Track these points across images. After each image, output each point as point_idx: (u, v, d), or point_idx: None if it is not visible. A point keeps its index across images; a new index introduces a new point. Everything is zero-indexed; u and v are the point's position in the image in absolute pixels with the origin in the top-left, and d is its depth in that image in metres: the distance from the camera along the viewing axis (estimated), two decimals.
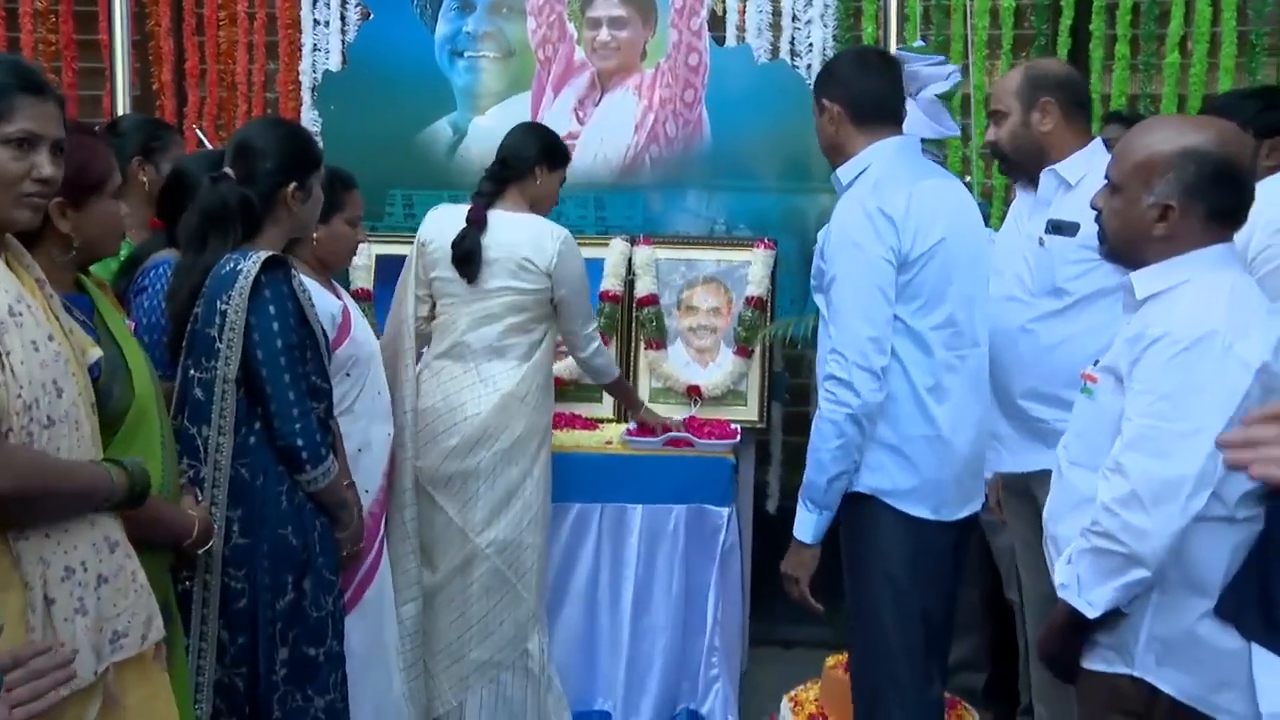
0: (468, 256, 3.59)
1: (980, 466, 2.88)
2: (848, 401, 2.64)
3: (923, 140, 3.39)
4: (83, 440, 1.93)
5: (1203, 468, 2.03)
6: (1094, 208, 2.32)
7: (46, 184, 1.96)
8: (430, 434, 3.57)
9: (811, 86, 2.73)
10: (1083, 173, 2.94)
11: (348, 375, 3.22)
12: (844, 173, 2.81)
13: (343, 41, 4.96)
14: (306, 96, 4.98)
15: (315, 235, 3.14)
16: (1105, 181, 2.30)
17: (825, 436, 2.68)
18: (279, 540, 2.65)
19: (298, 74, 4.99)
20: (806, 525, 2.75)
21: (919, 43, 3.66)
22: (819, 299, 2.81)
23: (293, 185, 2.76)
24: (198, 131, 4.15)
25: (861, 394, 2.63)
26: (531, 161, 3.65)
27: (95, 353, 2.08)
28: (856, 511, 2.75)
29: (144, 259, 2.95)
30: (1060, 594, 2.19)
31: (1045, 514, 2.36)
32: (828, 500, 2.71)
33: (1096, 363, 2.26)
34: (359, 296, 4.36)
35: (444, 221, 3.69)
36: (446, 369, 3.62)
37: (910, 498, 2.71)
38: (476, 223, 3.60)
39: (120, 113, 4.17)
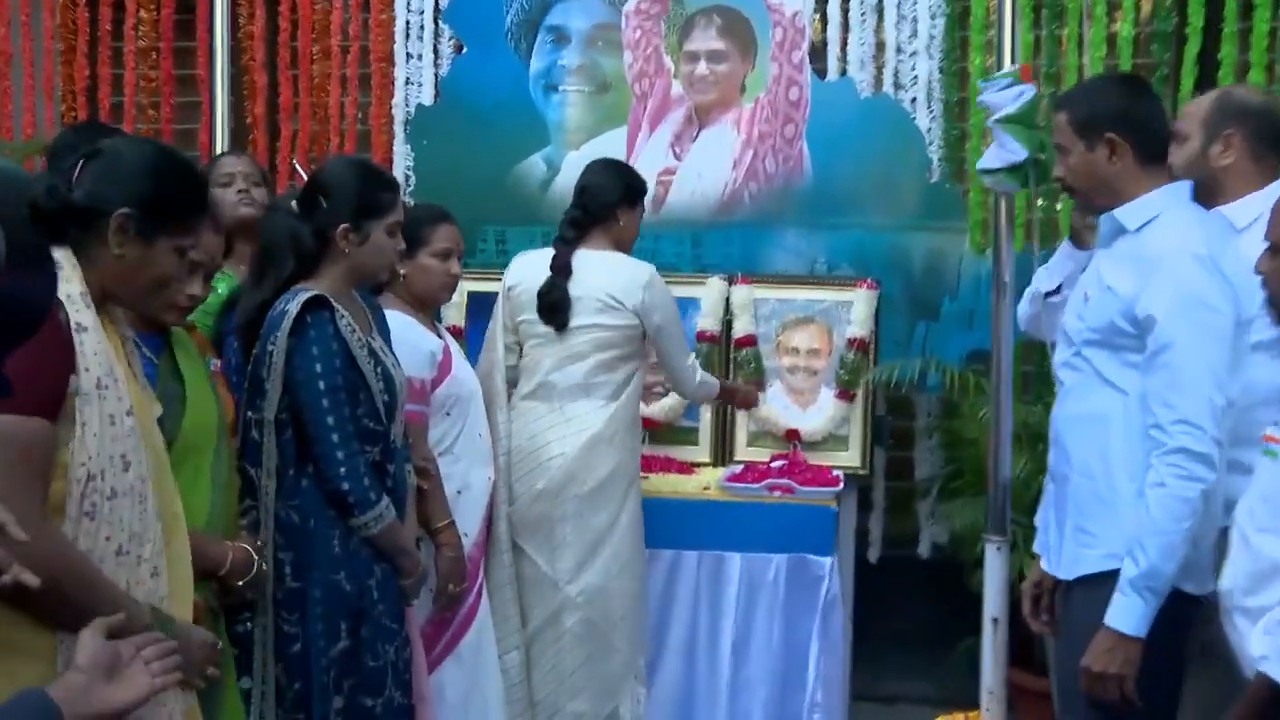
0: (554, 306, 3.66)
1: None
2: (1203, 477, 2.45)
3: (995, 170, 3.49)
4: (145, 515, 1.96)
5: None
6: (1258, 272, 2.29)
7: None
8: (518, 477, 3.65)
9: (1070, 116, 2.66)
10: (1254, 216, 2.74)
11: (448, 415, 3.33)
12: (1128, 217, 2.63)
13: (435, 75, 5.08)
14: (399, 131, 5.10)
15: (404, 271, 3.23)
16: (1265, 244, 2.26)
17: (1178, 516, 2.46)
18: (331, 585, 2.67)
19: (390, 108, 5.12)
20: (1135, 616, 2.48)
21: (1008, 68, 3.66)
22: (1093, 352, 2.64)
23: (344, 226, 2.77)
24: (296, 166, 4.34)
25: (1216, 469, 2.47)
26: (613, 205, 3.72)
27: (155, 410, 2.11)
28: (1109, 586, 2.55)
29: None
30: (1259, 666, 2.10)
31: (1227, 584, 2.27)
32: (1167, 588, 2.49)
33: (1277, 423, 2.21)
34: (451, 334, 4.50)
35: (530, 266, 3.78)
36: (533, 409, 3.69)
37: (1182, 572, 2.53)
38: (561, 271, 3.66)
39: (218, 145, 4.32)
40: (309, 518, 2.68)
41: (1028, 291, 3.29)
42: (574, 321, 3.66)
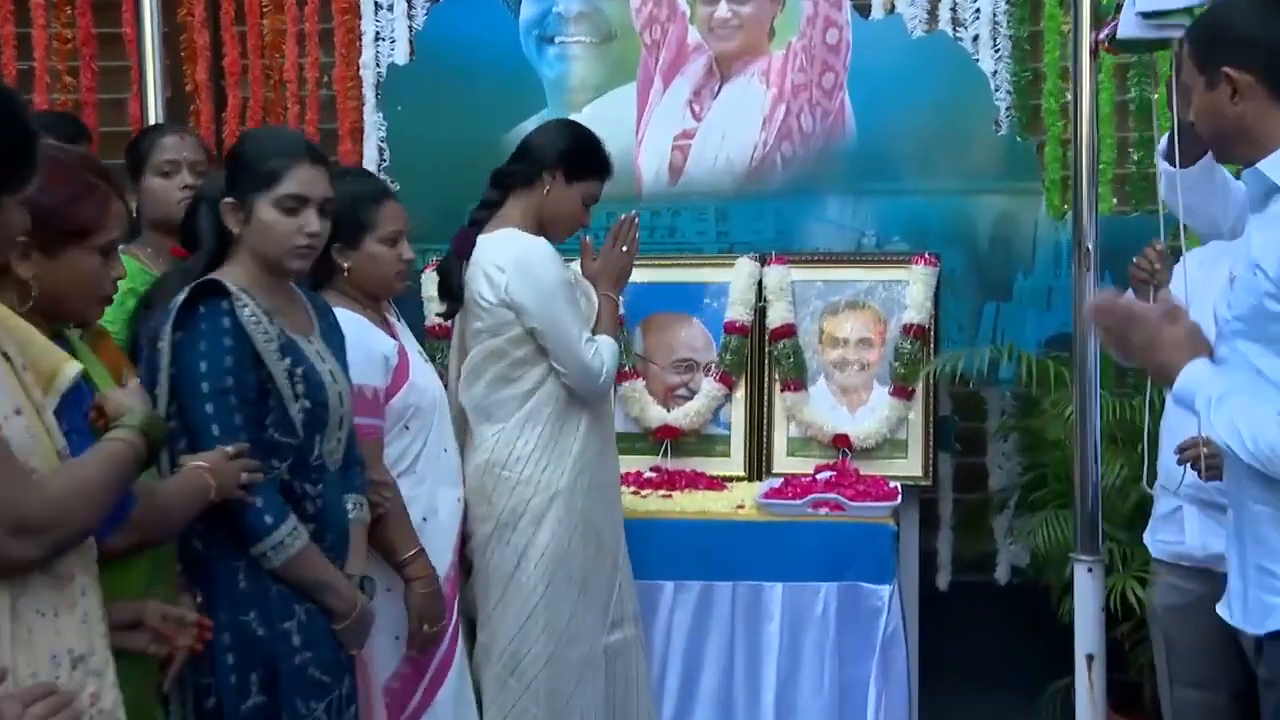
0: (444, 294, 3.57)
1: None
2: None
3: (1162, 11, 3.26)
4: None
5: None
6: None
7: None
8: None
9: (1191, 47, 2.45)
10: None
11: (406, 428, 3.22)
12: (1276, 169, 2.43)
13: (410, 29, 5.00)
14: (369, 95, 5.02)
15: (346, 263, 3.15)
16: None
17: None
18: (240, 629, 2.61)
19: (358, 68, 5.03)
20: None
21: None
22: (1241, 344, 2.47)
23: (226, 200, 2.72)
24: None
25: None
26: (540, 165, 3.51)
27: (72, 367, 2.07)
28: None
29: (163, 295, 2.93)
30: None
31: None
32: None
33: None
34: (433, 334, 4.37)
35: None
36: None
37: None
38: (458, 250, 3.52)
39: (151, 117, 4.21)
40: (210, 545, 2.61)
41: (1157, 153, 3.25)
42: (470, 328, 3.53)
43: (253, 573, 2.62)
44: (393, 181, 4.33)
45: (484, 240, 3.48)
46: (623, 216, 3.67)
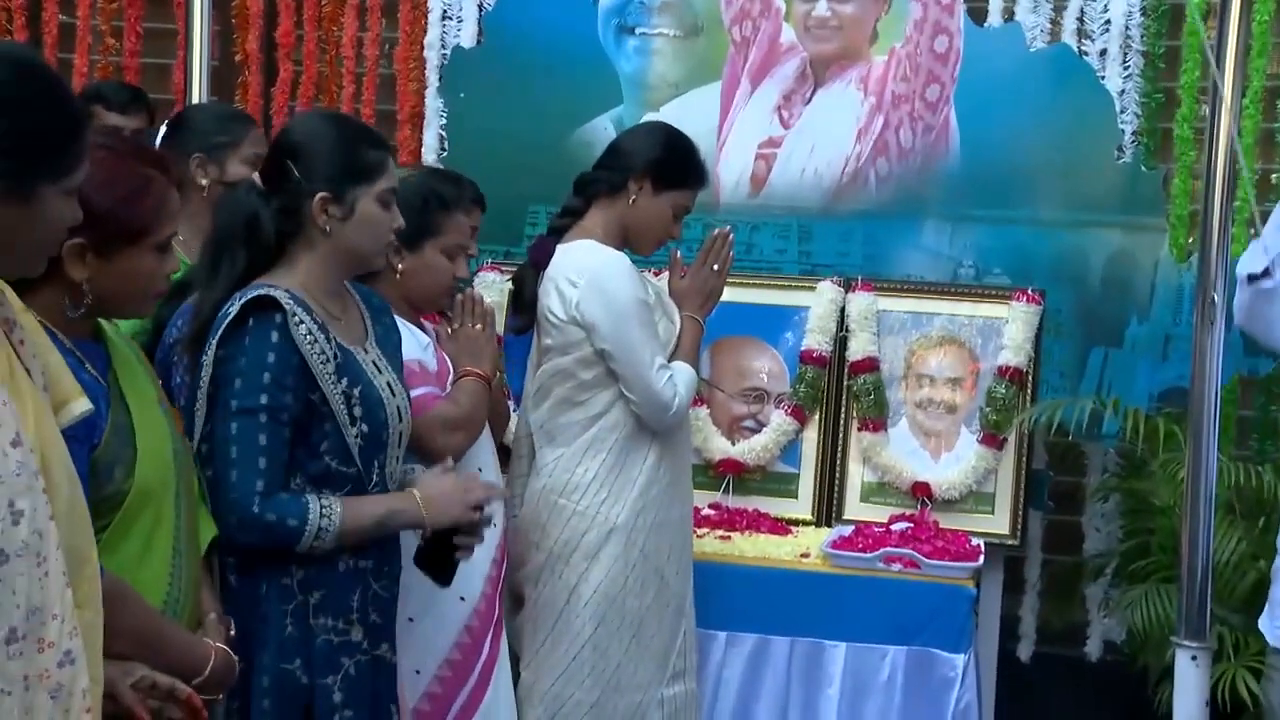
0: (517, 306, 3.56)
1: None
2: None
3: None
4: (48, 581, 1.83)
5: None
6: None
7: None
8: None
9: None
10: None
11: None
12: None
13: (479, 9, 5.02)
14: (432, 78, 5.02)
15: (400, 267, 3.12)
16: None
17: None
18: (283, 676, 2.60)
19: (421, 48, 5.04)
20: None
21: None
22: None
23: (321, 195, 2.64)
24: None
25: None
26: (627, 172, 3.48)
27: (80, 405, 2.00)
28: None
29: (191, 288, 2.92)
30: None
31: None
32: None
33: None
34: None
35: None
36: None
37: None
38: (535, 262, 3.51)
39: (195, 87, 4.23)
40: (259, 583, 2.59)
41: (1238, 270, 3.29)
42: (542, 344, 3.53)
43: (301, 617, 2.62)
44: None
45: (561, 251, 3.47)
46: (715, 231, 3.66)
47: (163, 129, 3.61)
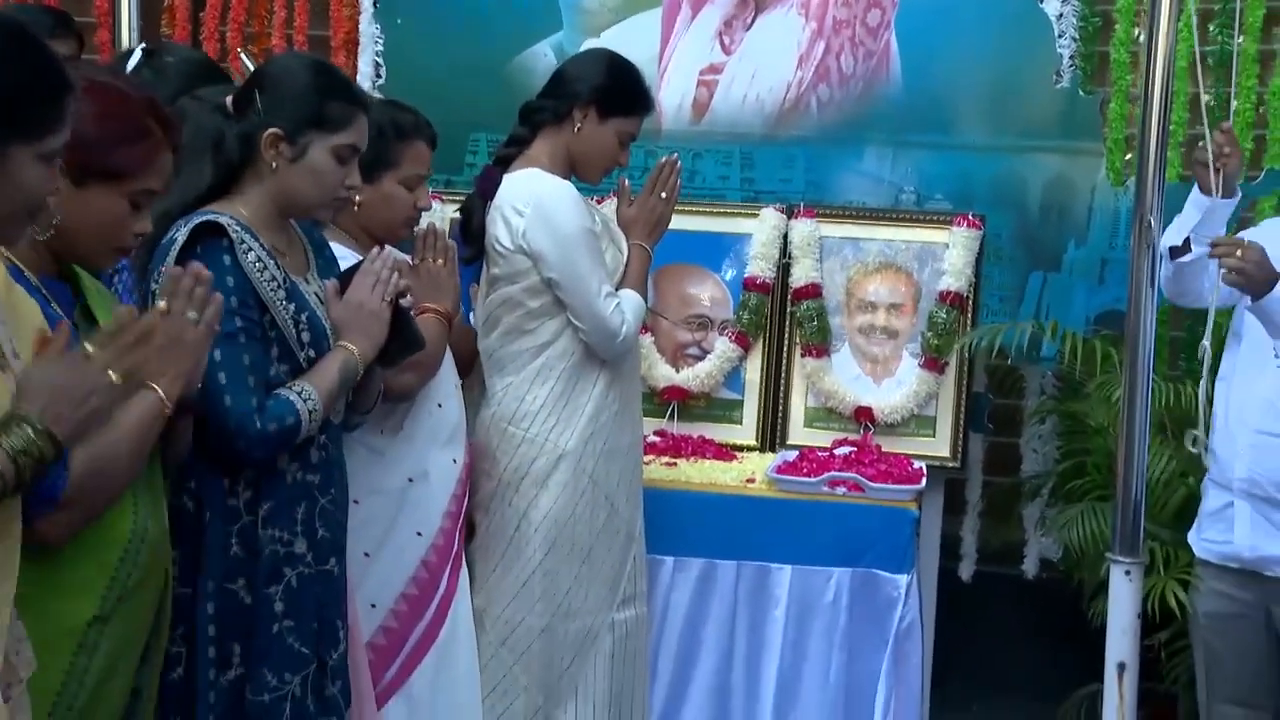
0: (466, 237, 3.54)
1: None
2: None
3: None
4: None
5: None
6: None
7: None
8: None
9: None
10: None
11: None
12: None
13: None
14: (366, 5, 4.98)
15: (359, 198, 3.08)
16: None
17: None
18: (226, 598, 2.64)
19: None
20: None
21: None
22: None
23: (272, 130, 2.68)
24: (243, 56, 4.17)
25: None
26: (571, 100, 3.50)
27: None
28: None
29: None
30: None
31: None
32: None
33: None
34: None
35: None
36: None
37: None
38: (482, 192, 3.52)
39: (124, 12, 4.20)
40: (204, 507, 2.63)
41: (1160, 247, 3.42)
42: (490, 273, 3.54)
43: (248, 537, 2.64)
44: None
45: (507, 180, 3.48)
46: (663, 159, 3.67)
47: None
